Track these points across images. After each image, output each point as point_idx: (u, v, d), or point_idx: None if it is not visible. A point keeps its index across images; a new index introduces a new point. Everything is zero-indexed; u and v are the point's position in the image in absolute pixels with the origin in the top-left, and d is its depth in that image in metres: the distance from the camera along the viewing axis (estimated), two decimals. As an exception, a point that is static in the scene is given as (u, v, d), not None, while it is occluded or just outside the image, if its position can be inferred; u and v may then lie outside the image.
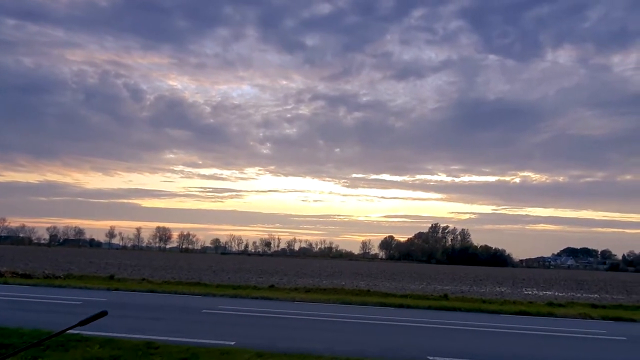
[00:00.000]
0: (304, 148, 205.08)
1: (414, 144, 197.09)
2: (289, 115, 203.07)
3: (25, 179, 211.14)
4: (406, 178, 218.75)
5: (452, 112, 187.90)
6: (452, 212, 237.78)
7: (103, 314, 2.09)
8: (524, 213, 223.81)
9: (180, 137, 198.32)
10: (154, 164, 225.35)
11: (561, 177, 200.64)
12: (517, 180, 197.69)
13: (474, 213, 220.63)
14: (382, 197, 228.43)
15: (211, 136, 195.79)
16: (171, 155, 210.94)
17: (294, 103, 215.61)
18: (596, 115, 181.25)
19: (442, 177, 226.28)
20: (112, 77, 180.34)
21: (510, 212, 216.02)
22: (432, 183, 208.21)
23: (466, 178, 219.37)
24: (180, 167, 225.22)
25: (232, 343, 8.37)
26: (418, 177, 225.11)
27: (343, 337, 10.02)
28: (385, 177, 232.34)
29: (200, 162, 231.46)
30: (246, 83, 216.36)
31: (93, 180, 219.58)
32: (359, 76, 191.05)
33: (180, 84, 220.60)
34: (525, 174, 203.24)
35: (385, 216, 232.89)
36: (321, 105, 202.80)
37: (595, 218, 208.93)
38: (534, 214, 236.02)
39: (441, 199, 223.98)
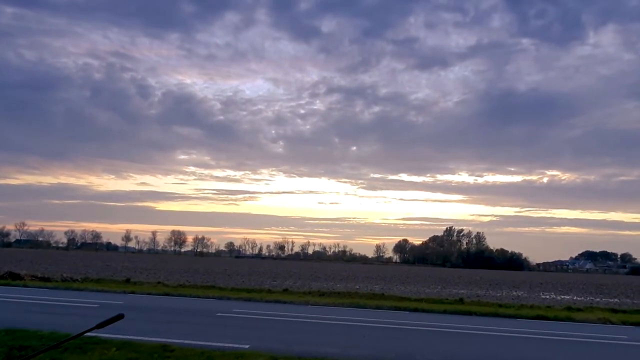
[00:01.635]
0: (318, 146, 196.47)
1: (435, 141, 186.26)
2: (302, 111, 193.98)
3: (39, 182, 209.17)
4: (426, 179, 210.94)
5: (478, 106, 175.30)
6: (474, 215, 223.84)
7: (120, 317, 2.11)
8: (548, 215, 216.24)
9: (190, 136, 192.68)
10: (166, 165, 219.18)
11: (592, 176, 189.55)
12: (545, 180, 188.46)
13: (496, 215, 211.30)
14: (401, 199, 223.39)
15: (222, 135, 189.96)
16: (183, 156, 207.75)
17: (309, 97, 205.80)
18: None
19: (464, 177, 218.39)
20: (118, 71, 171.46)
21: (535, 215, 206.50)
22: (453, 184, 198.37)
23: (490, 178, 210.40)
24: (193, 169, 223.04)
25: (247, 346, 8.39)
26: (439, 177, 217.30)
27: (357, 341, 9.97)
28: (404, 177, 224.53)
29: (213, 163, 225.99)
30: (258, 76, 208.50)
31: (106, 182, 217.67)
32: (378, 66, 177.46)
33: (189, 78, 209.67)
34: (554, 172, 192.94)
35: (403, 219, 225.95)
36: (337, 99, 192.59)
37: (625, 220, 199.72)
38: (559, 216, 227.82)
39: (462, 201, 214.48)
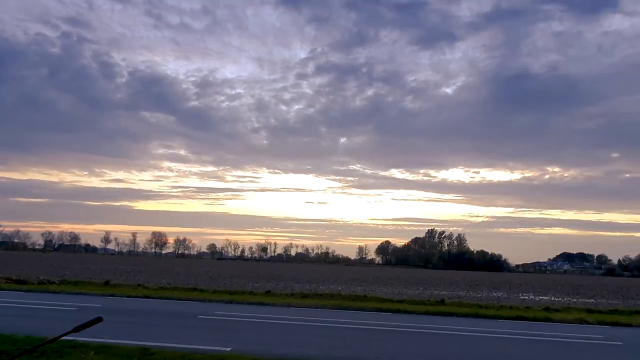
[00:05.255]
0: (304, 137, 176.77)
1: (431, 132, 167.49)
2: (287, 96, 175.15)
3: (5, 177, 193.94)
4: (419, 177, 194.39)
5: (485, 90, 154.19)
6: (464, 215, 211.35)
7: (98, 320, 2.07)
8: (542, 216, 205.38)
9: (162, 124, 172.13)
10: (141, 160, 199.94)
11: (596, 173, 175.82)
12: (546, 176, 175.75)
13: (488, 216, 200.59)
14: (392, 199, 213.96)
15: (198, 123, 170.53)
16: (158, 150, 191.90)
17: (295, 78, 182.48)
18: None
19: (460, 174, 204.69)
20: (77, 44, 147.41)
21: (528, 216, 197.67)
22: (447, 182, 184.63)
23: (487, 174, 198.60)
24: (171, 164, 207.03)
25: (228, 349, 8.32)
26: (432, 173, 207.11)
27: (340, 342, 9.98)
28: (396, 174, 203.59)
29: (192, 158, 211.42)
30: (238, 53, 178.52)
31: (79, 179, 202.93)
32: (376, 38, 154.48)
33: (160, 55, 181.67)
34: (555, 169, 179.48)
35: (392, 219, 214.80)
36: (327, 80, 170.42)
37: (619, 221, 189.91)
38: (553, 217, 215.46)
39: (456, 200, 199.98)
